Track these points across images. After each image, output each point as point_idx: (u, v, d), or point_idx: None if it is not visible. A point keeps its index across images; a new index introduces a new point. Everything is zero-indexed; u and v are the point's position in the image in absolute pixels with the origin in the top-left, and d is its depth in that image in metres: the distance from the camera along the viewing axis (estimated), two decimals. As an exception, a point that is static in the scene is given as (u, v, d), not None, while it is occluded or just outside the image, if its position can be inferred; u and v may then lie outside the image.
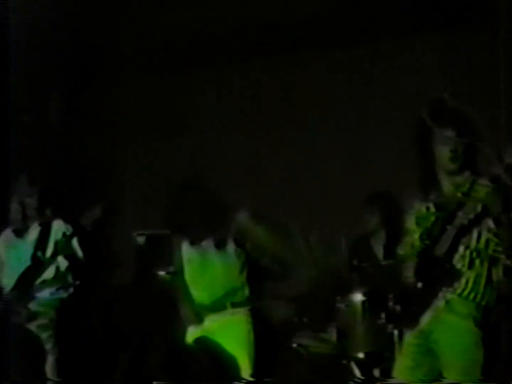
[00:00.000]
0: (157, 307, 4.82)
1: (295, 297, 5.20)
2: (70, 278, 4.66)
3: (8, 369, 4.55)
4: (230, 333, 4.49)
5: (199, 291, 4.58)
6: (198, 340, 4.54)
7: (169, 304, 4.56)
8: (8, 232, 4.73)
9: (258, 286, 4.60)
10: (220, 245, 4.55)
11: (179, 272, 4.60)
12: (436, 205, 3.48)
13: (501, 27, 4.32)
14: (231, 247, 4.55)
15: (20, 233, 4.70)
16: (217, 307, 4.52)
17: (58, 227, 4.64)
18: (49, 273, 4.65)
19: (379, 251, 5.43)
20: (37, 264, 4.66)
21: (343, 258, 5.13)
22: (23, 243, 4.70)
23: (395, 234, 4.05)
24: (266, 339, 4.49)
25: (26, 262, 4.67)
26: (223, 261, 4.55)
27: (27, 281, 4.64)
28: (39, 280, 4.65)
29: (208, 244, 4.57)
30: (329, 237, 5.02)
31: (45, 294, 4.66)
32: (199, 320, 4.55)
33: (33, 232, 4.68)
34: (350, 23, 4.73)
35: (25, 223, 4.66)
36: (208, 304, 4.54)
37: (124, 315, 4.79)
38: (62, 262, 4.65)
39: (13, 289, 4.65)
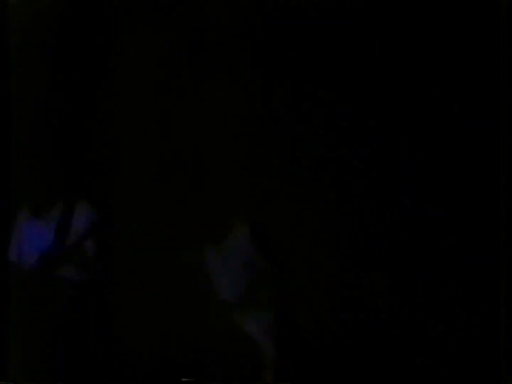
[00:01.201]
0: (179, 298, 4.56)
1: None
2: (93, 262, 4.59)
3: (8, 369, 4.54)
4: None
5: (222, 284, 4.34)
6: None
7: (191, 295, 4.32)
8: (28, 211, 4.63)
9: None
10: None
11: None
12: None
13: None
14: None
15: (41, 212, 4.61)
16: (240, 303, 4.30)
17: (83, 208, 4.56)
18: (72, 255, 4.57)
19: None
20: (59, 245, 4.58)
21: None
22: (45, 222, 4.62)
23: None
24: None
25: (47, 242, 4.57)
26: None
27: (47, 262, 4.56)
28: (60, 262, 4.57)
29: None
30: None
31: (65, 276, 4.57)
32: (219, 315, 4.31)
33: (56, 212, 4.58)
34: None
35: (47, 202, 4.57)
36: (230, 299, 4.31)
37: (146, 306, 4.66)
38: (85, 244, 4.57)
39: (32, 269, 4.56)
